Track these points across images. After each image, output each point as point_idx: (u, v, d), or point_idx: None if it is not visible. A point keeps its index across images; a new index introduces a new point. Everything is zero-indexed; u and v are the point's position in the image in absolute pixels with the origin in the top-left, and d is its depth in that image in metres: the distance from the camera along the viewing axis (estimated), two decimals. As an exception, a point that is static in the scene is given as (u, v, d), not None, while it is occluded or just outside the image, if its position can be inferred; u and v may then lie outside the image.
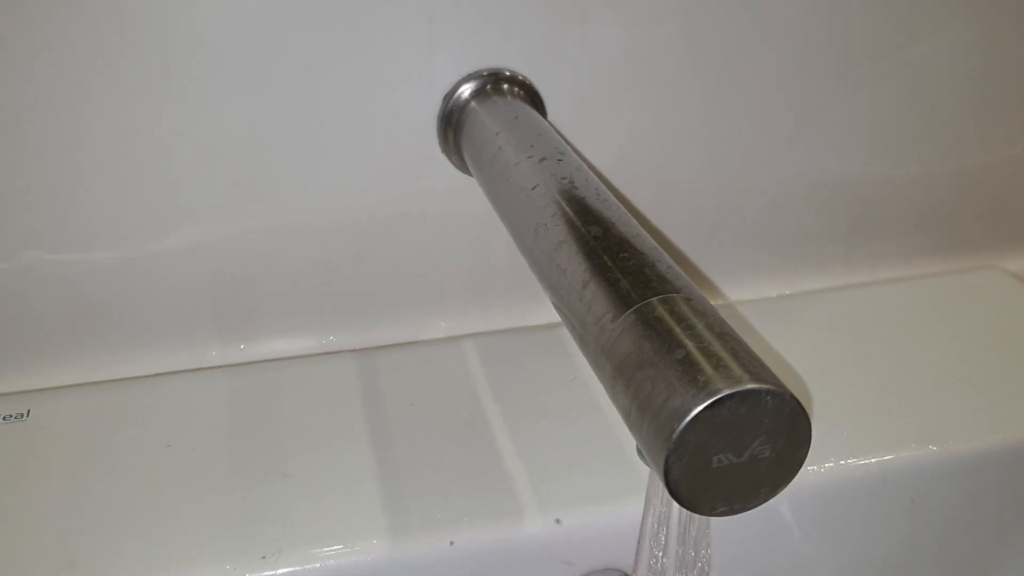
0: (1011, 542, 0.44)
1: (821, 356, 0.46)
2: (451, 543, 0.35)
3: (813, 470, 0.39)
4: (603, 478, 0.38)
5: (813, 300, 0.51)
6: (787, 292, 0.53)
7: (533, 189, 0.34)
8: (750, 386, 0.23)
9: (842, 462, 0.39)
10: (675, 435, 0.23)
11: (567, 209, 0.32)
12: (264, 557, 0.34)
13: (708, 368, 0.24)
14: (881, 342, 0.47)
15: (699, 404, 0.23)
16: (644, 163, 0.47)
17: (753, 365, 0.24)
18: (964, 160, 0.52)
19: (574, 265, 0.30)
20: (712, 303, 0.27)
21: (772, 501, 0.38)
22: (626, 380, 0.26)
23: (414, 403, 0.42)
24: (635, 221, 0.32)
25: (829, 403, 0.43)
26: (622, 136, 0.46)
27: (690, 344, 0.25)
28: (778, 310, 0.51)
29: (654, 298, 0.27)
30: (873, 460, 0.39)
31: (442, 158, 0.44)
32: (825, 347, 0.47)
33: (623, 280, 0.28)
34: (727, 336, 0.25)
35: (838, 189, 0.51)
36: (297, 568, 0.34)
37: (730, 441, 0.24)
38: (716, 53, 0.44)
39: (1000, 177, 0.53)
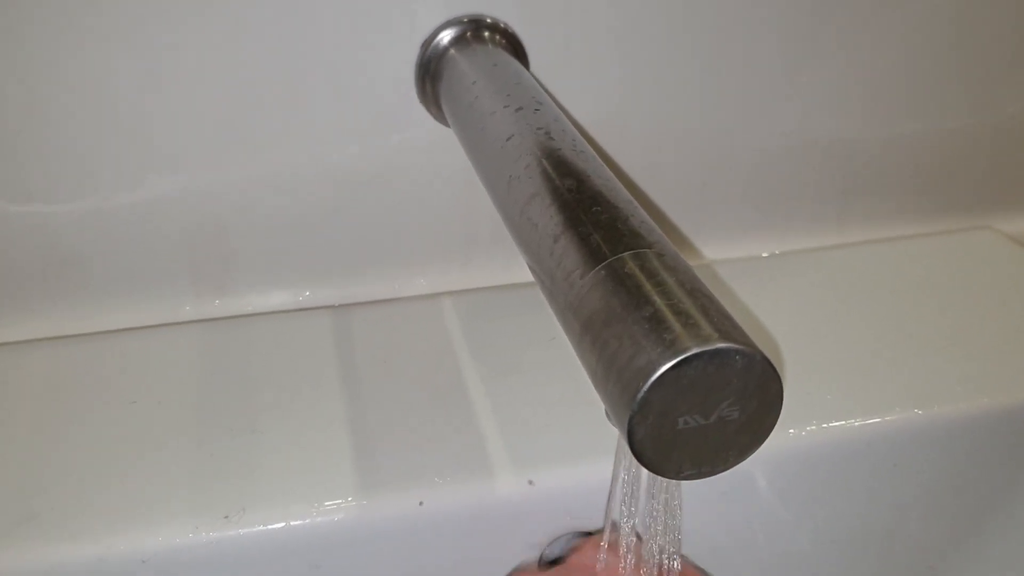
0: (996, 508, 0.43)
1: (808, 316, 0.45)
2: (420, 503, 0.34)
3: (794, 433, 0.38)
4: (579, 439, 0.37)
5: (803, 259, 0.50)
6: (778, 251, 0.52)
7: (508, 140, 0.33)
8: (719, 345, 0.22)
9: (824, 425, 0.38)
10: (640, 395, 0.22)
11: (541, 160, 0.31)
12: (227, 516, 0.33)
13: (677, 326, 0.23)
14: (870, 303, 0.46)
15: (666, 363, 0.22)
16: (631, 118, 0.46)
17: (723, 323, 0.23)
18: (959, 119, 0.51)
19: (545, 219, 0.29)
20: (688, 261, 0.26)
21: (749, 465, 0.37)
22: (593, 338, 0.25)
23: (388, 361, 0.41)
24: (611, 173, 0.31)
25: (814, 364, 0.42)
26: (608, 90, 0.44)
27: (659, 301, 0.24)
28: (768, 269, 0.49)
29: (625, 253, 0.26)
30: (856, 423, 0.39)
31: (421, 109, 0.42)
32: (813, 307, 0.46)
33: (595, 234, 0.27)
34: (698, 293, 0.24)
35: (831, 147, 0.50)
36: (261, 528, 0.33)
37: (697, 402, 0.23)
38: (708, 6, 0.43)
39: (996, 137, 0.52)
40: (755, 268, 0.49)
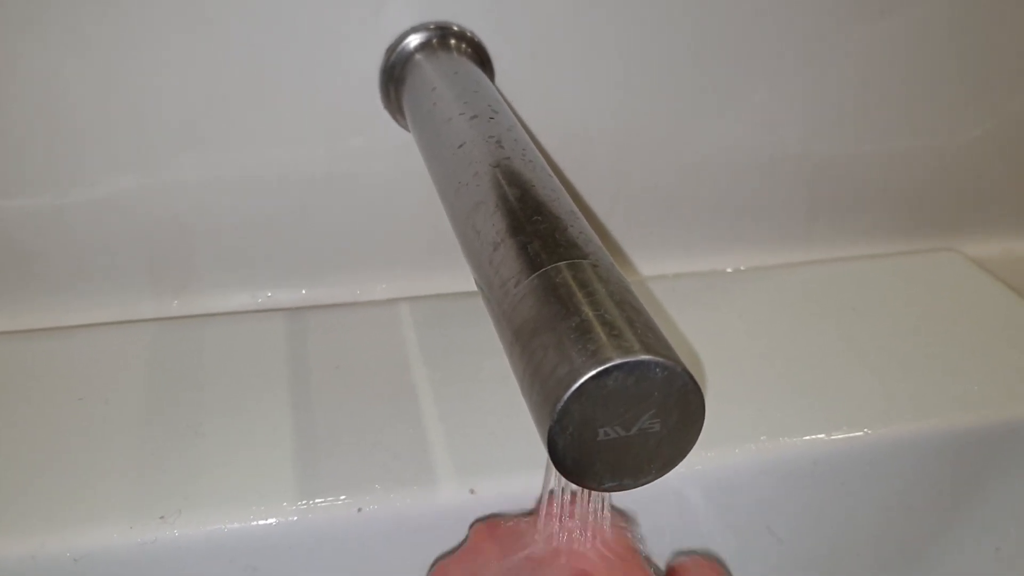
0: (947, 530, 0.43)
1: (767, 331, 0.45)
2: (359, 510, 0.34)
3: (737, 452, 0.37)
4: (524, 449, 0.36)
5: (768, 276, 0.50)
6: (743, 267, 0.52)
7: (460, 147, 0.33)
8: (641, 357, 0.22)
9: (768, 444, 0.38)
10: (560, 404, 0.22)
11: (490, 169, 0.31)
12: (163, 517, 0.33)
13: (602, 336, 0.23)
14: (829, 320, 0.46)
15: (586, 373, 0.22)
16: (596, 130, 0.45)
17: (647, 336, 0.23)
18: (927, 140, 0.51)
19: (487, 227, 0.29)
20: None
21: (688, 485, 0.37)
22: (522, 346, 0.24)
23: (341, 366, 0.41)
24: (559, 184, 0.31)
25: (766, 381, 0.42)
26: (573, 101, 0.44)
27: (588, 311, 0.24)
28: (731, 284, 0.49)
29: (561, 263, 0.26)
30: (801, 441, 0.38)
31: (385, 114, 0.42)
32: (773, 323, 0.46)
33: (532, 243, 0.27)
34: (627, 305, 0.24)
35: (799, 164, 0.50)
36: (197, 529, 0.33)
37: (619, 413, 0.22)
38: (676, 19, 0.43)
39: (963, 159, 0.52)
40: (718, 283, 0.49)
